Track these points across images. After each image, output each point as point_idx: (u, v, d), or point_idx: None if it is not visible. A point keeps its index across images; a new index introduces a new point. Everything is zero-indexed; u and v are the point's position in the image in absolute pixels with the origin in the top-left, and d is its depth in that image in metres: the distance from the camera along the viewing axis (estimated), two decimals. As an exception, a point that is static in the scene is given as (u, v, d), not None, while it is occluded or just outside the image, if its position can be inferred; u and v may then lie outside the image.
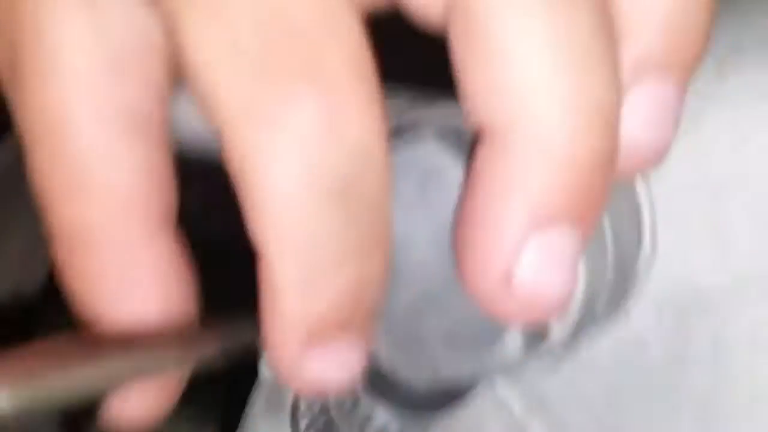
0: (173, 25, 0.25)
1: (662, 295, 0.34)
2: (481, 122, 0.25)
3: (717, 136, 0.36)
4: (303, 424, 0.37)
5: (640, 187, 0.30)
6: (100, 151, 0.27)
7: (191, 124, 0.28)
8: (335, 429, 0.36)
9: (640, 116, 0.26)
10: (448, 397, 0.36)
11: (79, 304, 0.28)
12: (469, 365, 0.31)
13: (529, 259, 0.25)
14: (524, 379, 0.38)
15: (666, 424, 0.36)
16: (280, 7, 0.24)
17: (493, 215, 0.25)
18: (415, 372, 0.33)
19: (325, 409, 0.36)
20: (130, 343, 0.27)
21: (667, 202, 0.33)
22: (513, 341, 0.30)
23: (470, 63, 0.25)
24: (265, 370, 0.43)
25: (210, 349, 0.28)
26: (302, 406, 0.37)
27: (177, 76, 0.27)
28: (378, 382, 0.35)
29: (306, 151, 0.24)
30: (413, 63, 0.33)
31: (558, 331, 0.30)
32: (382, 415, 0.36)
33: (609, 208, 0.31)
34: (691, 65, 0.27)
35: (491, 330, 0.31)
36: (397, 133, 0.31)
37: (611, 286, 0.32)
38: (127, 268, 0.27)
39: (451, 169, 0.30)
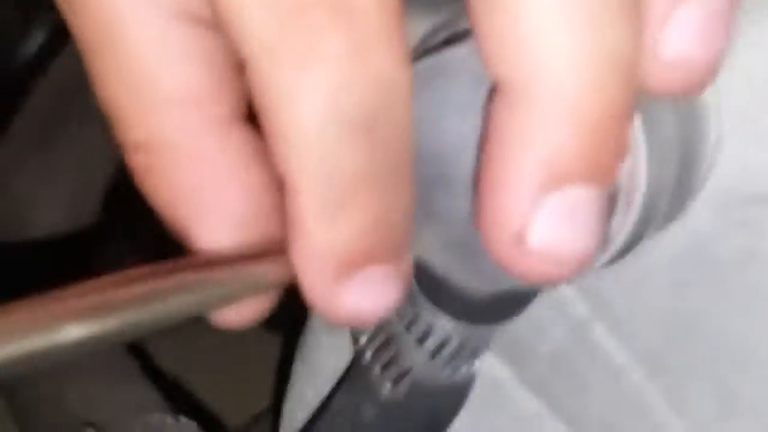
0: None
1: (727, 190, 0.34)
2: (496, 75, 0.25)
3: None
4: (363, 338, 0.37)
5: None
6: (156, 47, 0.27)
7: None
8: (395, 343, 0.36)
9: (688, 30, 0.25)
10: (508, 306, 0.35)
11: (164, 212, 0.28)
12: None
13: (544, 219, 0.25)
14: (586, 281, 0.38)
15: (735, 324, 0.36)
16: None
17: (507, 173, 0.25)
18: (475, 281, 0.33)
19: (384, 323, 0.36)
20: (206, 268, 0.26)
21: (730, 94, 0.32)
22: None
23: (483, 13, 0.24)
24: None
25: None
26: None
27: None
28: (438, 294, 0.35)
29: (332, 86, 0.24)
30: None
31: (621, 230, 0.30)
32: (442, 327, 0.35)
33: (674, 106, 0.31)
34: None
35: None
36: (447, 36, 0.30)
37: (674, 183, 0.31)
38: (207, 167, 0.27)
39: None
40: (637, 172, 0.29)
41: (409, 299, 0.35)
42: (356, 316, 0.27)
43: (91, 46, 0.27)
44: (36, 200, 0.65)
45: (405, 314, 0.36)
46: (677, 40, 0.25)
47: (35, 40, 0.70)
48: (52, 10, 0.27)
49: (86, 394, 0.54)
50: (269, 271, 0.27)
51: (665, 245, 0.35)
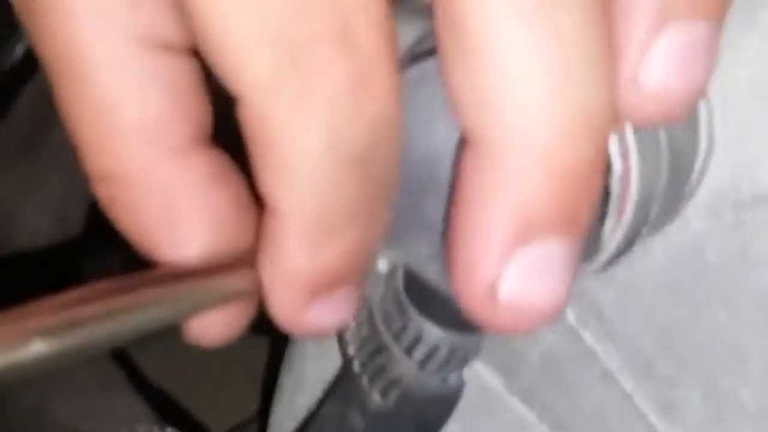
0: None
1: (719, 194, 0.33)
2: (464, 126, 0.25)
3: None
4: (352, 348, 0.37)
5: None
6: (118, 74, 0.26)
7: None
8: (384, 353, 0.36)
9: (667, 62, 0.25)
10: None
11: (131, 238, 0.28)
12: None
13: (514, 273, 0.25)
14: (578, 287, 0.37)
15: (727, 329, 0.35)
16: None
17: (476, 227, 0.25)
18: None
19: (373, 332, 0.36)
20: (179, 279, 0.26)
21: (723, 98, 0.32)
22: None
23: (452, 62, 0.24)
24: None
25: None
26: (350, 330, 0.37)
27: None
28: (426, 303, 0.34)
29: (331, 124, 0.24)
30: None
31: (614, 235, 0.29)
32: (430, 336, 0.35)
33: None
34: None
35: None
36: (426, 43, 0.30)
37: (666, 188, 0.31)
38: (169, 195, 0.27)
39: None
40: (630, 176, 0.29)
41: (397, 309, 0.35)
42: (316, 330, 0.27)
43: (55, 71, 0.27)
44: (21, 207, 0.65)
45: (393, 324, 0.35)
46: (656, 73, 0.25)
47: (21, 46, 0.70)
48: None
49: (73, 405, 0.54)
50: (236, 283, 0.27)
51: (657, 249, 0.35)
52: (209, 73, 0.26)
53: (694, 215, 0.34)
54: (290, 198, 0.25)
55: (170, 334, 0.27)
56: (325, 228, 0.25)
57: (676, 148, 0.31)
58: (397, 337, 0.35)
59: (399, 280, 0.35)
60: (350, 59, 0.24)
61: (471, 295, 0.26)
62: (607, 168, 0.29)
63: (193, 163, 0.27)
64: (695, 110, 0.32)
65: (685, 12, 0.25)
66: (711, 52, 0.25)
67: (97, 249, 0.66)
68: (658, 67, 0.25)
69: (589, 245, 0.30)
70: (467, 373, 0.38)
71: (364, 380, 0.36)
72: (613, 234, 0.30)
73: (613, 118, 0.25)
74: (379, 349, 0.36)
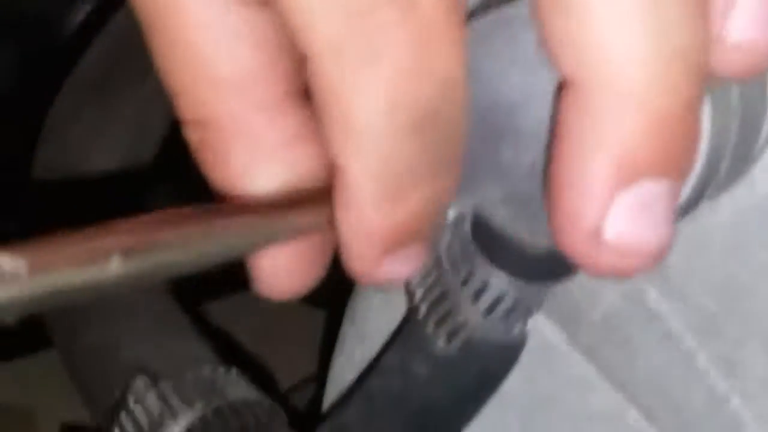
0: None
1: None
2: (564, 73, 0.25)
3: None
4: (418, 294, 0.37)
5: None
6: (215, 27, 0.27)
7: None
8: (450, 298, 0.36)
9: (751, 14, 0.25)
10: (564, 264, 0.35)
11: (212, 178, 0.29)
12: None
13: (617, 216, 0.25)
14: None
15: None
16: None
17: (579, 171, 0.25)
18: (533, 237, 0.33)
19: (440, 279, 0.36)
20: (252, 212, 0.27)
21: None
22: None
23: (550, 10, 0.25)
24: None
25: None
26: (416, 277, 0.37)
27: None
28: (494, 249, 0.35)
29: (397, 83, 0.25)
30: None
31: (684, 188, 0.30)
32: (497, 284, 0.36)
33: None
34: None
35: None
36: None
37: (736, 145, 0.31)
38: (255, 146, 0.28)
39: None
40: (701, 129, 0.29)
41: (465, 256, 0.35)
42: (390, 281, 0.28)
43: (150, 22, 0.27)
44: (90, 152, 0.66)
45: (460, 271, 0.36)
46: (741, 24, 0.25)
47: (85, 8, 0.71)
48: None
49: (140, 344, 0.54)
50: (308, 219, 0.28)
51: (723, 209, 0.35)
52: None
53: (761, 177, 0.34)
54: (357, 158, 0.26)
55: (240, 287, 0.28)
56: (393, 187, 0.26)
57: (748, 106, 0.31)
58: (463, 284, 0.36)
59: (466, 228, 0.35)
60: (414, 22, 0.24)
61: (576, 239, 0.26)
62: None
63: (280, 118, 0.28)
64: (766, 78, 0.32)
65: None
66: None
67: (162, 185, 0.67)
68: (742, 19, 0.25)
69: None
70: (530, 327, 0.38)
71: (430, 325, 0.37)
72: (683, 186, 0.30)
73: (709, 60, 0.25)
74: (446, 295, 0.36)
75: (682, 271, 0.37)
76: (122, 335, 0.55)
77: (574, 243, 0.26)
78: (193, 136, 0.29)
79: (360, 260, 0.27)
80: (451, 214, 0.35)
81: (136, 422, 0.47)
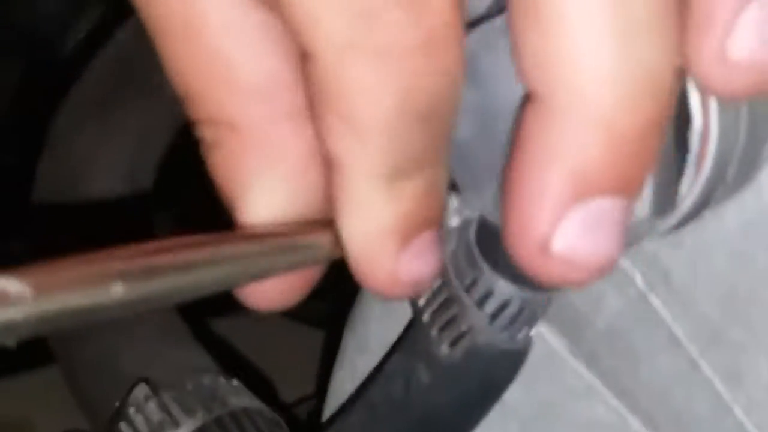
0: None
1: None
2: (529, 85, 0.25)
3: None
4: (422, 300, 0.37)
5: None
6: (236, 33, 0.27)
7: None
8: (455, 304, 0.36)
9: (754, 32, 0.25)
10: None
11: (220, 184, 0.29)
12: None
13: (568, 229, 0.26)
14: (645, 252, 0.38)
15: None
16: None
17: (534, 182, 0.26)
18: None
19: (444, 285, 0.36)
20: (252, 240, 0.27)
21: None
22: (641, 207, 0.29)
23: (520, 23, 0.25)
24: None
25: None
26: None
27: None
28: (498, 257, 0.35)
29: (403, 80, 0.25)
30: None
31: (690, 193, 0.30)
32: (502, 291, 0.36)
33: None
34: None
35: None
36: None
37: (743, 150, 0.31)
38: (273, 150, 0.28)
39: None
40: (709, 135, 0.29)
41: (469, 262, 0.35)
42: (414, 282, 0.28)
43: (165, 29, 0.27)
44: (94, 164, 0.66)
45: (465, 277, 0.36)
46: (744, 43, 0.25)
47: (97, 10, 0.71)
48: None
49: (141, 353, 0.54)
50: (313, 247, 0.28)
51: (729, 216, 0.35)
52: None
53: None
54: (360, 148, 0.26)
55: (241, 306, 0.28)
56: (396, 172, 0.26)
57: (756, 112, 0.31)
58: (468, 290, 0.36)
59: (471, 235, 0.35)
60: (422, 23, 0.25)
61: (524, 248, 0.26)
62: (687, 124, 0.29)
63: (305, 129, 0.28)
64: None
65: None
66: None
67: (165, 206, 0.68)
68: (744, 37, 0.25)
69: (665, 202, 0.30)
70: (532, 334, 0.38)
71: (434, 331, 0.37)
72: (690, 190, 0.30)
73: (677, 81, 0.26)
74: (450, 301, 0.36)
75: (687, 279, 0.37)
76: (123, 344, 0.55)
77: (524, 252, 0.26)
78: (206, 133, 0.29)
79: (377, 264, 0.27)
80: (456, 220, 0.35)
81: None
